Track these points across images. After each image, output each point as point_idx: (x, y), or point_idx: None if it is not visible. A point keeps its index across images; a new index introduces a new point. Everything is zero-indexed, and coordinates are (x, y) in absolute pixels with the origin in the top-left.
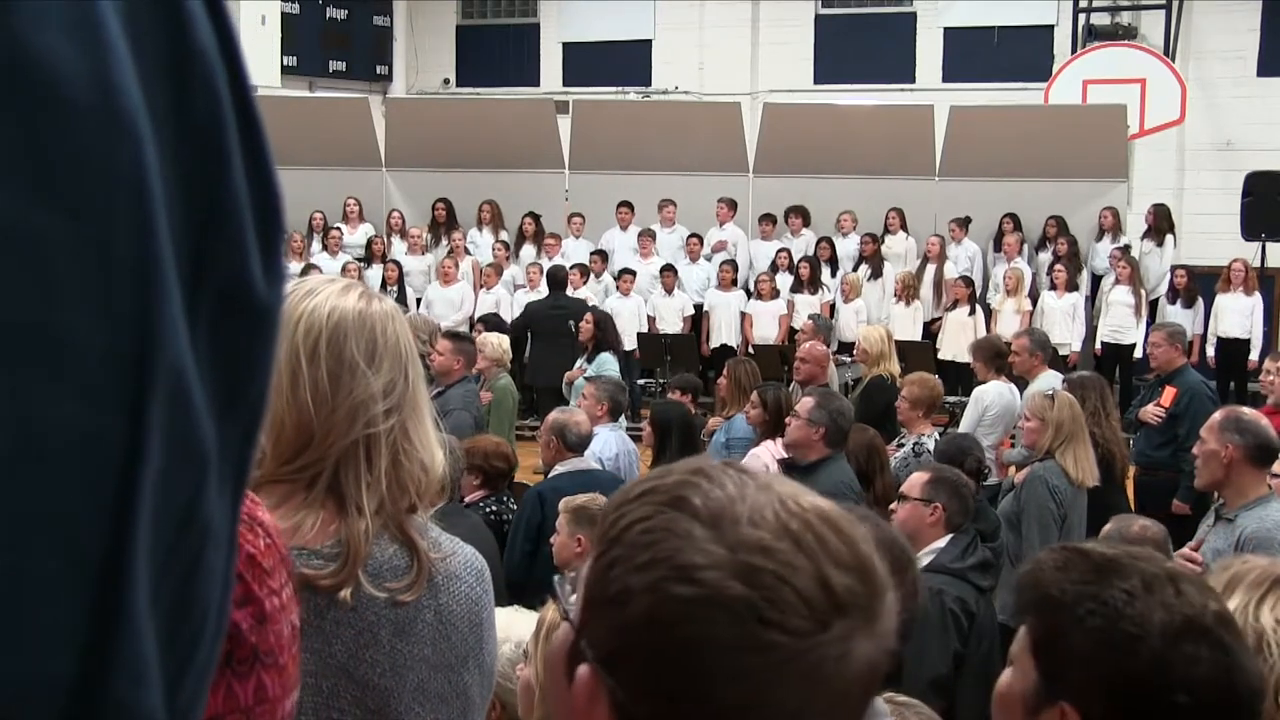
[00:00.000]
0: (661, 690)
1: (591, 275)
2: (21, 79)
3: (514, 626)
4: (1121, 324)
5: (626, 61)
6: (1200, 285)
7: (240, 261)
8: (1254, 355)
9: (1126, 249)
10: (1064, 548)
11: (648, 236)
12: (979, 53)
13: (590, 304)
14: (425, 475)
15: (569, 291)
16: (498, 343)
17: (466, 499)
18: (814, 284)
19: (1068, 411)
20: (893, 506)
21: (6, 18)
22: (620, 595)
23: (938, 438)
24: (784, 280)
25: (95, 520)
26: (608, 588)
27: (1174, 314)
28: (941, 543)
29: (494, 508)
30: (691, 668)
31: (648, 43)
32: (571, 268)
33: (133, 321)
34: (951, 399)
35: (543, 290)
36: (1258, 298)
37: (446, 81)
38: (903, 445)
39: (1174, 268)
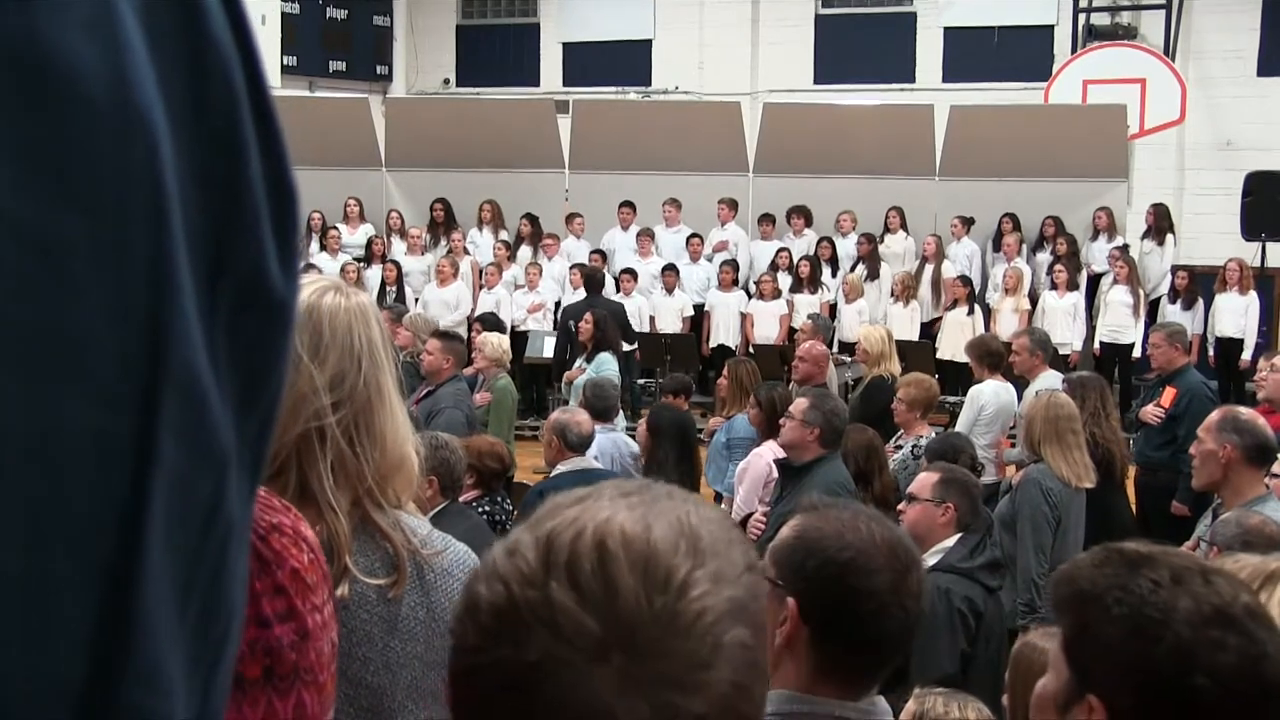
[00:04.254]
0: None
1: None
2: (43, 80)
3: None
4: (1120, 324)
5: (626, 61)
6: (1201, 286)
7: (258, 254)
8: (1246, 355)
9: (1125, 249)
10: (1105, 547)
11: (647, 236)
12: (979, 53)
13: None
14: (392, 468)
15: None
16: (497, 343)
17: (460, 498)
18: (814, 284)
19: (1041, 412)
20: (901, 507)
21: (28, 16)
22: None
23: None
24: (784, 280)
25: (107, 522)
26: None
27: (1173, 314)
28: (950, 542)
29: (487, 507)
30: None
31: (648, 43)
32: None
33: (145, 321)
34: (951, 399)
35: (544, 290)
36: (1253, 296)
37: (446, 81)
38: (900, 446)
39: (1175, 268)
